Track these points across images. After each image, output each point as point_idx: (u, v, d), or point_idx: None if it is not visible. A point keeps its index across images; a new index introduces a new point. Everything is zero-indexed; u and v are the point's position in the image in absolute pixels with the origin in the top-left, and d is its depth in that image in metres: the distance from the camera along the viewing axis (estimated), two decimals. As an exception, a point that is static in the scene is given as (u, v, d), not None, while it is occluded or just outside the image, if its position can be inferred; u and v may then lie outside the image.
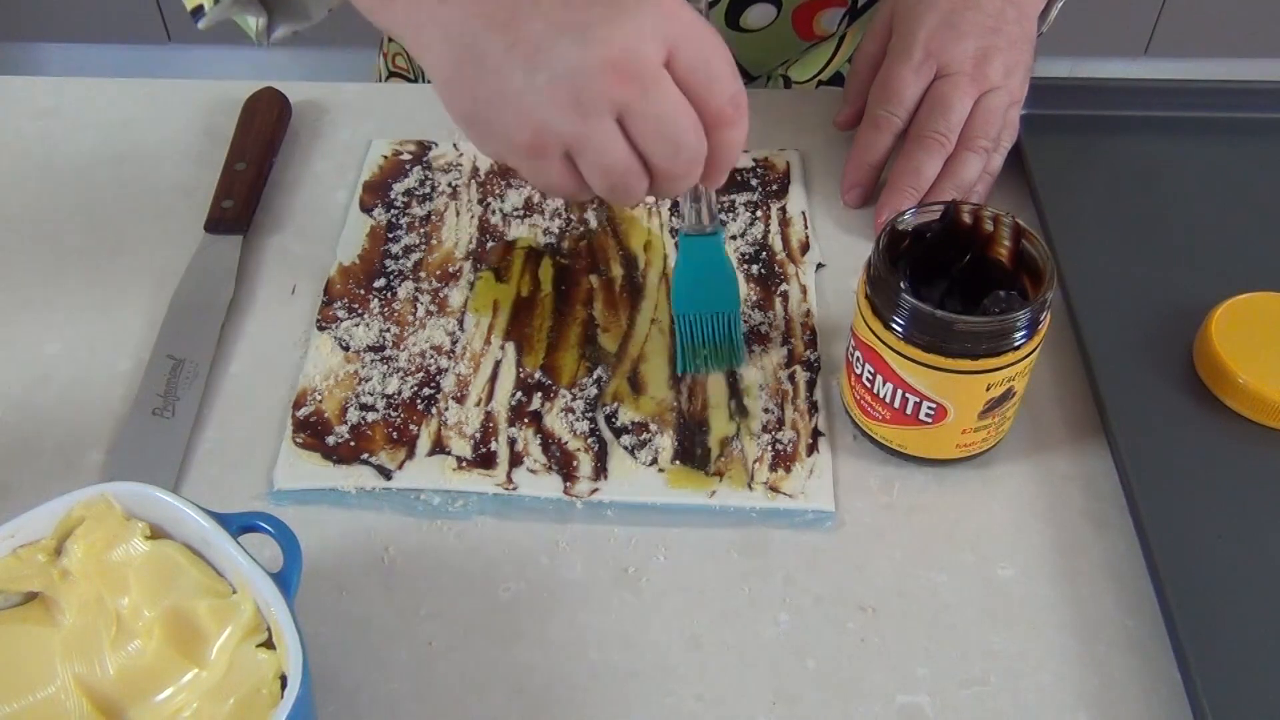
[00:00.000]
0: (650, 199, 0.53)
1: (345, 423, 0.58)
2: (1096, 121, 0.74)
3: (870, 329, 0.53)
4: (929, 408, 0.53)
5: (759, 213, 0.69)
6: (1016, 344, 0.51)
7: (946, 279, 0.56)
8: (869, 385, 0.55)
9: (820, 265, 0.67)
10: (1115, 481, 0.56)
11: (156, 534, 0.46)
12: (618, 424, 0.58)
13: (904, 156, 0.68)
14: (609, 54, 0.45)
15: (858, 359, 0.55)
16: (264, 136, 0.72)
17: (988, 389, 0.52)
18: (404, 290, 0.64)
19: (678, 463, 0.57)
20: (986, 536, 0.55)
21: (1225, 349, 0.58)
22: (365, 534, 0.54)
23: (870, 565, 0.54)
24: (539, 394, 0.59)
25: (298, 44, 0.73)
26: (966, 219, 0.55)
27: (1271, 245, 0.67)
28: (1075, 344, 0.62)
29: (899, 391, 0.53)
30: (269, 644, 0.44)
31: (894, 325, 0.52)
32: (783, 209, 0.69)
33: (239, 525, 0.46)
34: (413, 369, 0.60)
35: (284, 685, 0.43)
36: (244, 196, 0.68)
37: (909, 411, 0.54)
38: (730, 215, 0.69)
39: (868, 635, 0.51)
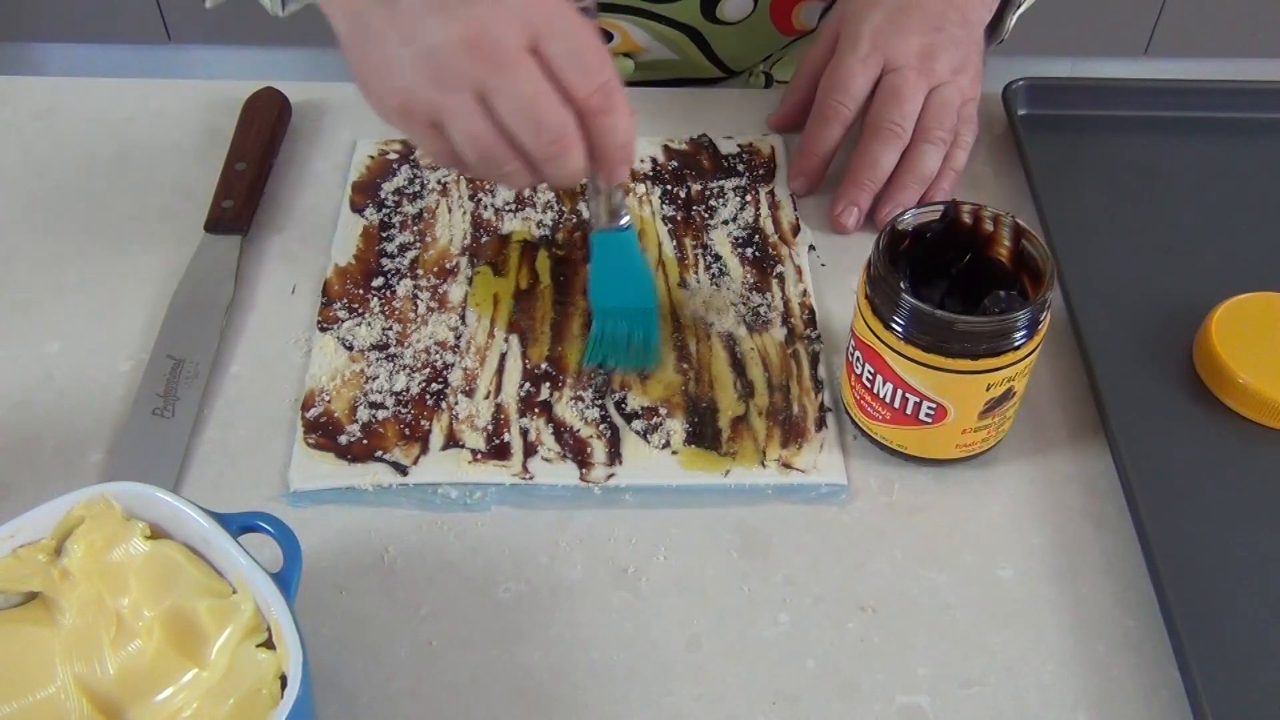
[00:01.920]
0: (579, 182, 0.56)
1: (356, 421, 0.58)
2: (1096, 121, 0.74)
3: (870, 329, 0.53)
4: (929, 408, 0.53)
5: (748, 197, 0.70)
6: (1016, 344, 0.51)
7: (946, 279, 0.56)
8: (869, 385, 0.55)
9: (812, 247, 0.67)
10: (1115, 481, 0.56)
11: (156, 534, 0.46)
12: (627, 409, 0.59)
13: (859, 149, 0.68)
14: (467, 32, 0.49)
15: (858, 359, 0.55)
16: (264, 136, 0.72)
17: (988, 389, 0.52)
18: (403, 288, 0.64)
19: (691, 445, 0.57)
20: (986, 536, 0.55)
21: (1225, 349, 0.58)
22: (365, 534, 0.54)
23: (870, 565, 0.54)
24: (547, 384, 0.60)
25: (298, 44, 0.73)
26: (966, 219, 0.55)
27: (1271, 245, 0.67)
28: (1075, 344, 0.62)
29: (899, 391, 0.53)
30: (269, 644, 0.44)
31: (894, 325, 0.52)
32: (771, 192, 0.70)
33: (239, 525, 0.46)
34: (419, 365, 0.60)
35: (284, 685, 0.43)
36: (244, 196, 0.68)
37: (909, 411, 0.54)
38: (721, 201, 0.70)
39: (868, 635, 0.51)
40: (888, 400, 0.54)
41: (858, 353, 0.55)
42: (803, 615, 0.52)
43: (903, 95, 0.67)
